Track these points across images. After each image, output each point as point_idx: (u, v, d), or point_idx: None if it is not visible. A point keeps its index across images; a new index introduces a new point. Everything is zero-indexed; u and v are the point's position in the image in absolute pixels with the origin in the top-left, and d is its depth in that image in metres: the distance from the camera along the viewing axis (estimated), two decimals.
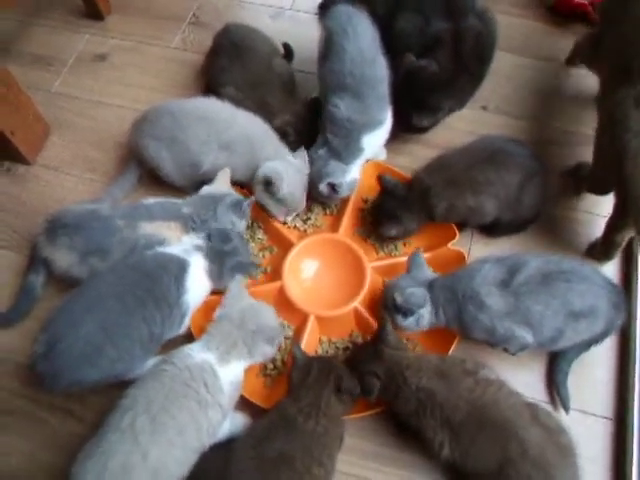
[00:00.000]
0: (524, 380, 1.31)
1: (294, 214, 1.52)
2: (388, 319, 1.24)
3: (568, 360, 1.31)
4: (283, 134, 1.55)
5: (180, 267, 1.27)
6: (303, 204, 1.52)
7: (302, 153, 1.51)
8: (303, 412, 1.13)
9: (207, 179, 1.51)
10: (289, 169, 1.46)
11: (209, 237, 1.35)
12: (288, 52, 1.80)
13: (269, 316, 1.26)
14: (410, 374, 1.17)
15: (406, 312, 1.26)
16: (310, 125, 1.58)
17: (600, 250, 1.46)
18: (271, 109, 1.58)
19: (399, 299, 1.25)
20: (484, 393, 1.13)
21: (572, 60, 1.79)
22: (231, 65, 1.64)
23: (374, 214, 1.48)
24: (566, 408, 1.29)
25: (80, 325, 1.16)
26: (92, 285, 1.24)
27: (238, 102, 1.56)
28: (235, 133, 1.48)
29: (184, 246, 1.34)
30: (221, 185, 1.47)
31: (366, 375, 1.19)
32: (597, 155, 1.42)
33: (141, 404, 1.07)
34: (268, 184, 1.44)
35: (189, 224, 1.40)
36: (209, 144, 1.48)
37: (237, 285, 1.26)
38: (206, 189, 1.46)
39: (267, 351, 1.22)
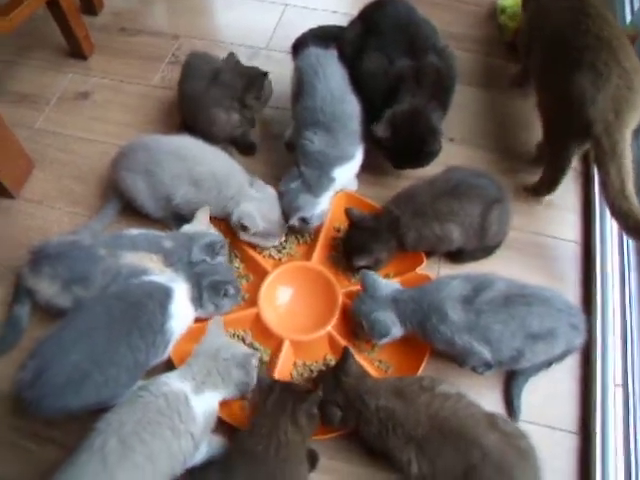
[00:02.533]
0: (490, 397, 1.38)
1: (282, 236, 1.58)
2: (351, 350, 1.29)
3: (526, 376, 1.38)
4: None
5: (164, 294, 1.32)
6: (284, 227, 1.57)
7: (259, 182, 1.59)
8: (261, 443, 1.15)
9: (182, 211, 1.57)
10: (260, 205, 1.53)
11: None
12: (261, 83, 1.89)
13: (240, 347, 1.32)
14: (368, 397, 1.22)
15: (380, 336, 1.33)
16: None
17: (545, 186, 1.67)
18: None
19: (366, 327, 1.33)
20: (442, 406, 1.18)
21: (514, 79, 1.93)
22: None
23: (345, 246, 1.54)
24: (516, 419, 1.35)
25: (68, 353, 1.20)
26: (81, 315, 1.27)
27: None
28: (203, 170, 1.55)
29: (168, 274, 1.39)
30: (200, 224, 1.52)
31: (327, 405, 1.23)
32: (551, 119, 1.60)
33: (113, 428, 1.10)
34: (245, 228, 1.51)
35: (169, 258, 1.44)
36: (180, 179, 1.54)
37: (216, 325, 1.31)
38: (186, 228, 1.52)
39: (242, 377, 1.26)
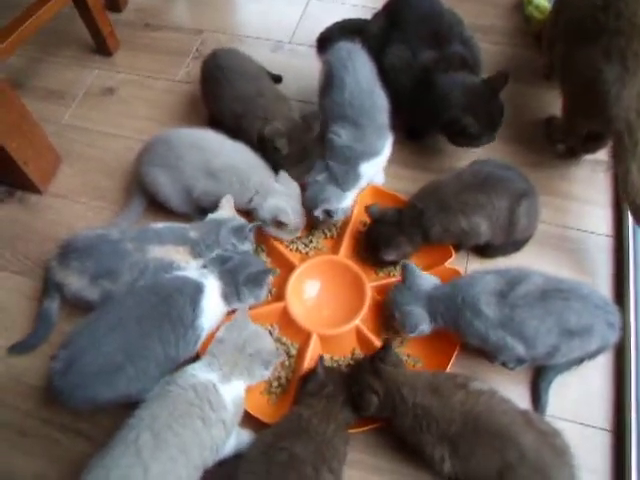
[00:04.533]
0: (518, 393, 1.35)
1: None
2: (392, 341, 1.30)
3: (556, 372, 1.35)
4: (272, 146, 1.58)
5: (196, 290, 1.31)
6: (305, 220, 1.57)
7: (284, 175, 1.58)
8: (318, 415, 1.18)
9: (204, 205, 1.57)
10: (288, 200, 1.53)
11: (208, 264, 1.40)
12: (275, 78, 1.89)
13: (267, 342, 1.30)
14: (406, 391, 1.20)
15: (408, 330, 1.31)
16: (302, 141, 1.63)
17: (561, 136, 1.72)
18: (265, 114, 1.62)
19: (398, 318, 1.32)
20: (477, 403, 1.16)
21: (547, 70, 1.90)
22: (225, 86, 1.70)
23: (369, 243, 1.51)
24: (542, 414, 1.32)
25: (100, 345, 1.20)
26: (113, 308, 1.28)
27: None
28: (221, 162, 1.54)
29: (200, 269, 1.39)
30: (225, 211, 1.52)
31: (365, 391, 1.22)
32: (572, 111, 1.60)
33: (146, 422, 1.10)
34: (280, 224, 1.51)
35: (196, 249, 1.45)
36: (199, 171, 1.54)
37: (243, 312, 1.31)
38: (211, 216, 1.51)
39: (263, 374, 1.26)
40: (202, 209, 1.59)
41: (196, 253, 1.44)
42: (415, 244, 1.48)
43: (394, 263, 1.52)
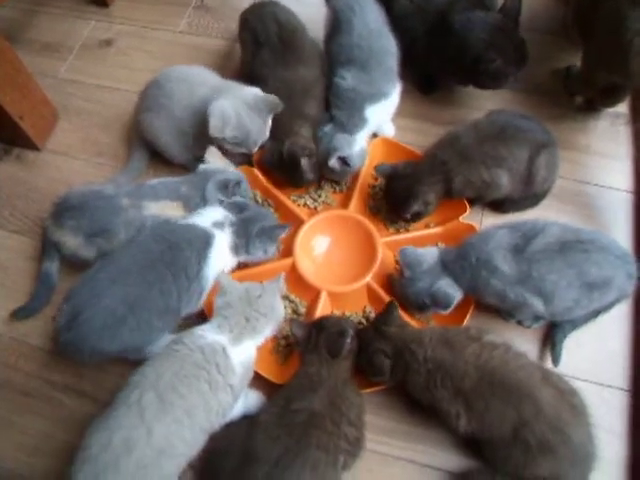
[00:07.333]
0: (531, 352, 1.31)
1: (256, 149, 1.48)
2: (396, 304, 1.23)
3: (573, 325, 1.30)
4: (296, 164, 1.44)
5: (205, 240, 1.27)
6: (264, 136, 1.45)
7: (257, 90, 1.45)
8: (324, 369, 1.16)
9: (200, 151, 1.49)
10: (239, 107, 1.40)
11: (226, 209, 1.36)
12: None
13: (263, 284, 1.25)
14: (416, 346, 1.16)
15: (446, 306, 1.26)
16: None
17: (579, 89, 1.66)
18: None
19: (430, 304, 1.27)
20: (491, 357, 1.12)
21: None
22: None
23: (389, 200, 1.45)
24: (556, 363, 1.28)
25: (102, 297, 1.17)
26: (116, 258, 1.25)
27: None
28: (202, 94, 1.45)
29: (214, 218, 1.33)
30: (215, 162, 1.46)
31: (374, 355, 1.18)
32: (591, 62, 1.51)
33: (149, 381, 1.07)
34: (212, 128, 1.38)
35: (189, 204, 1.40)
36: (187, 109, 1.46)
37: (224, 277, 1.25)
38: (202, 167, 1.45)
39: (279, 308, 1.22)
40: (201, 157, 1.51)
41: (189, 208, 1.39)
42: (437, 192, 1.41)
43: (420, 216, 1.44)
